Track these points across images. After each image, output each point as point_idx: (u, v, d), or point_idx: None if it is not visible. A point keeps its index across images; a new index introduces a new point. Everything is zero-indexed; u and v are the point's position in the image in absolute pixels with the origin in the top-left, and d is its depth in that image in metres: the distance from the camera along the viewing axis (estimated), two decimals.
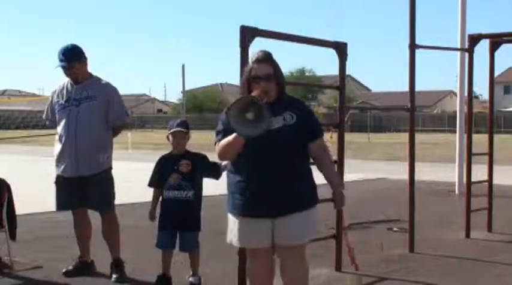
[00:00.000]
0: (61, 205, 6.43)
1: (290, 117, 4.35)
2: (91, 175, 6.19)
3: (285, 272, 4.56)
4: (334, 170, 4.70)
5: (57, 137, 6.36)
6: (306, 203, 4.43)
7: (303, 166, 4.46)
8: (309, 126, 4.43)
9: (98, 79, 6.40)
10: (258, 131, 4.07)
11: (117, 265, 6.27)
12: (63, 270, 6.34)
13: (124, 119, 6.54)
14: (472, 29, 14.79)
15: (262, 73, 4.35)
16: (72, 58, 6.21)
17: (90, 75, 6.39)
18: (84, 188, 6.21)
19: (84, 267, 6.41)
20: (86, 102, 6.21)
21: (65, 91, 6.33)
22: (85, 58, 6.32)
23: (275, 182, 4.31)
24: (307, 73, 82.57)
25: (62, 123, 6.26)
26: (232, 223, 4.51)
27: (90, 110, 6.19)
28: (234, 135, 4.19)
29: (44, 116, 6.64)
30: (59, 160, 6.31)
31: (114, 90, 6.41)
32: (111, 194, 6.37)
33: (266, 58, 4.42)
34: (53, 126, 6.53)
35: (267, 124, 4.06)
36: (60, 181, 6.36)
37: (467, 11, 13.35)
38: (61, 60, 6.21)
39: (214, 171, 5.82)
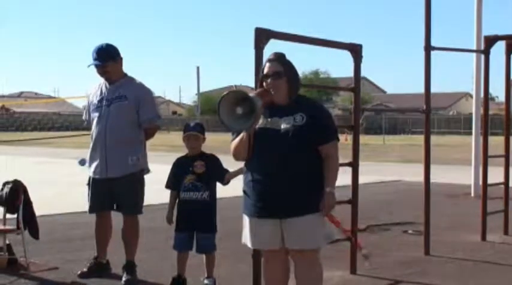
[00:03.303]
0: (93, 207, 6.37)
1: (300, 118, 4.34)
2: (119, 177, 6.14)
3: (297, 276, 4.57)
4: (331, 177, 4.41)
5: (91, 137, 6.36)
6: (315, 206, 4.35)
7: (313, 168, 4.39)
8: (318, 128, 4.36)
9: (132, 79, 6.34)
10: (246, 126, 4.16)
11: (129, 267, 6.22)
12: (78, 272, 6.34)
13: (155, 122, 6.43)
14: (488, 30, 14.70)
15: (270, 71, 4.40)
16: (106, 57, 6.17)
17: (125, 74, 6.34)
18: (112, 190, 6.18)
19: (99, 268, 6.40)
20: (117, 102, 6.16)
21: (99, 92, 6.31)
22: (120, 58, 6.27)
23: (281, 183, 4.31)
24: (321, 75, 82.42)
25: (94, 123, 6.24)
26: (245, 223, 4.55)
27: (120, 110, 6.14)
28: (242, 133, 4.30)
29: (83, 117, 6.62)
30: (91, 161, 6.29)
31: (147, 91, 6.34)
32: (138, 198, 6.28)
33: (276, 58, 4.46)
34: (90, 127, 6.46)
35: (254, 120, 4.13)
36: (91, 183, 6.32)
37: (483, 12, 13.29)
38: (95, 59, 6.18)
39: (221, 175, 5.85)
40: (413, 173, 15.37)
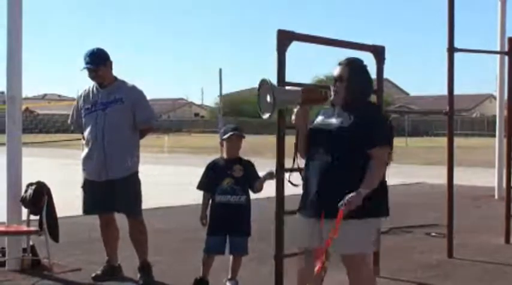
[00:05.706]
0: (88, 209, 6.44)
1: (348, 120, 4.37)
2: (119, 178, 6.19)
3: (348, 279, 4.55)
4: (368, 179, 4.32)
5: (83, 141, 6.41)
6: (358, 212, 4.24)
7: (357, 171, 4.31)
8: (364, 132, 4.34)
9: (124, 83, 6.41)
10: (269, 113, 4.52)
11: (144, 268, 6.25)
12: (92, 275, 6.35)
13: (152, 122, 6.54)
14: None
15: (335, 74, 4.55)
16: (98, 61, 6.24)
17: (115, 78, 6.40)
18: (111, 191, 6.20)
19: (112, 272, 6.42)
20: (113, 105, 6.22)
21: (91, 95, 6.36)
22: (110, 62, 6.35)
23: (323, 183, 4.35)
24: None
25: (89, 128, 6.28)
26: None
27: (117, 113, 6.20)
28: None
29: (69, 120, 6.68)
30: (86, 164, 6.34)
31: (140, 93, 6.41)
32: (138, 198, 6.35)
33: (344, 62, 4.57)
34: (78, 130, 6.56)
35: (273, 110, 4.51)
36: (87, 185, 6.39)
37: (507, 13, 13.21)
38: (87, 63, 6.25)
39: (254, 182, 5.85)
40: (437, 176, 15.27)
